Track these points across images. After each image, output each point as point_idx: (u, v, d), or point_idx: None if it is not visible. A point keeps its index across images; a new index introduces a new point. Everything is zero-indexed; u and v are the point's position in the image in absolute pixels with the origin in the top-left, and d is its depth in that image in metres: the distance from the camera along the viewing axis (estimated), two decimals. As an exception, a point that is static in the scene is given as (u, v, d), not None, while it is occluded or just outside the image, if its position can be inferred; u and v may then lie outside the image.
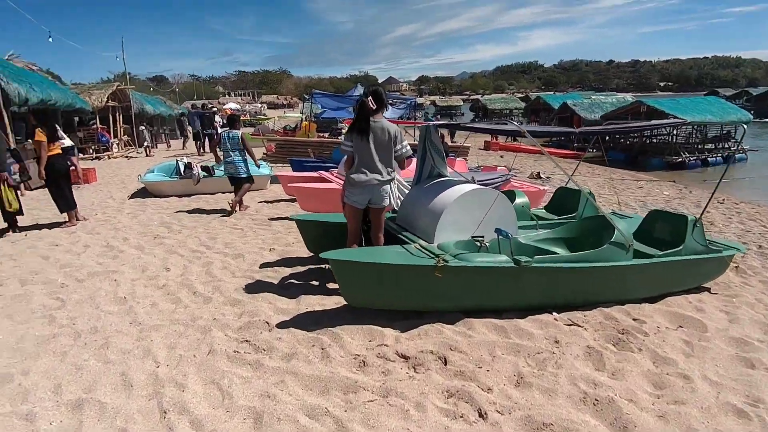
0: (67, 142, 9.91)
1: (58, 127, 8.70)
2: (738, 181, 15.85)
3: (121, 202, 8.26)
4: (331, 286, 3.99)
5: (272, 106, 68.14)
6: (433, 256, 3.35)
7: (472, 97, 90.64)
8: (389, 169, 3.84)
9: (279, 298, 3.75)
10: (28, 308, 3.69)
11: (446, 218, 3.89)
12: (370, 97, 3.68)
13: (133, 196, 8.81)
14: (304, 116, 31.00)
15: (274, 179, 8.33)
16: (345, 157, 3.93)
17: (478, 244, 3.85)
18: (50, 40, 13.44)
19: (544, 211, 6.17)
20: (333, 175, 7.47)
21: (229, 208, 7.10)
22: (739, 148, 18.93)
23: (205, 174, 8.66)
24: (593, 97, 29.86)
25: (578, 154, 19.27)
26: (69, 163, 6.81)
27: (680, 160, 17.64)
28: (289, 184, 7.03)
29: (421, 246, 3.66)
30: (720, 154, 18.74)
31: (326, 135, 19.59)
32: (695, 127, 18.72)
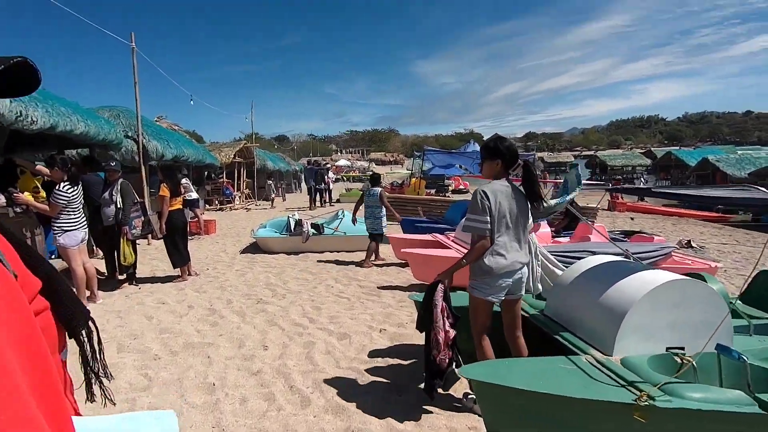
0: (194, 194, 10.51)
1: (184, 182, 9.20)
2: None
3: (233, 257, 8.23)
4: (459, 393, 3.03)
5: (380, 162, 70.89)
6: (627, 385, 2.24)
7: (584, 152, 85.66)
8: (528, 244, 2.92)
9: (394, 410, 2.87)
10: (114, 386, 3.26)
11: (632, 320, 2.74)
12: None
13: (245, 250, 8.79)
14: (411, 172, 31.43)
15: (385, 240, 7.77)
16: (474, 238, 2.80)
17: (679, 360, 2.64)
18: (192, 102, 15.00)
19: (739, 302, 4.62)
20: (449, 239, 6.62)
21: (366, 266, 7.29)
22: None
23: (315, 232, 8.38)
24: (739, 152, 25.92)
25: (723, 217, 16.26)
26: (193, 214, 6.96)
27: None
28: (402, 250, 6.34)
29: (598, 361, 2.56)
30: None
31: (433, 192, 19.03)
32: None
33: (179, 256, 6.38)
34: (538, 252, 4.20)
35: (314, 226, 8.47)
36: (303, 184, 20.36)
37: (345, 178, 27.35)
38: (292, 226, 8.42)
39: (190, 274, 6.55)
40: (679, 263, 5.99)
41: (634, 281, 2.92)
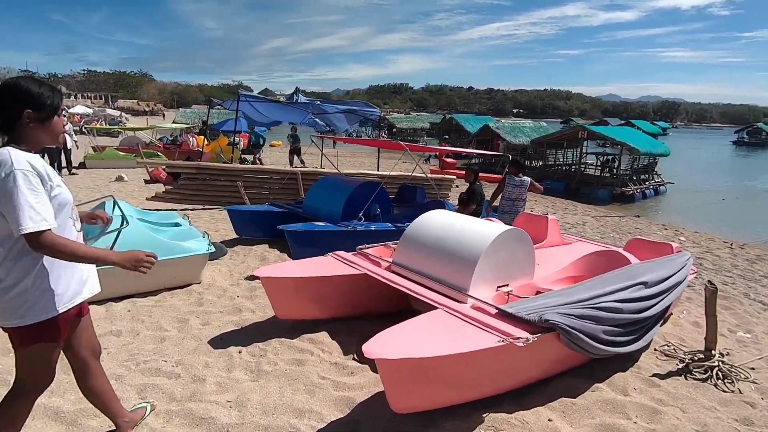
0: None
1: None
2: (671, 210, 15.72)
3: None
4: None
5: (132, 112, 57.58)
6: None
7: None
8: None
9: None
10: None
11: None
12: None
13: None
14: (190, 125, 24.90)
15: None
16: None
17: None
18: None
19: None
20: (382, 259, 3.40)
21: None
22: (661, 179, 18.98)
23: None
24: (514, 121, 29.25)
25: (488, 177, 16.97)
26: None
27: (631, 192, 16.63)
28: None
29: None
30: (651, 186, 18.33)
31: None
32: (634, 157, 18.08)
33: None
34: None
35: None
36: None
37: (87, 131, 19.47)
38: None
39: None
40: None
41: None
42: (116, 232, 4.23)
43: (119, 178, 12.12)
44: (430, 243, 3.57)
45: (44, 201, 1.74)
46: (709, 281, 3.88)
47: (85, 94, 77.59)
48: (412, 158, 7.18)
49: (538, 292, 3.48)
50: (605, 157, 19.46)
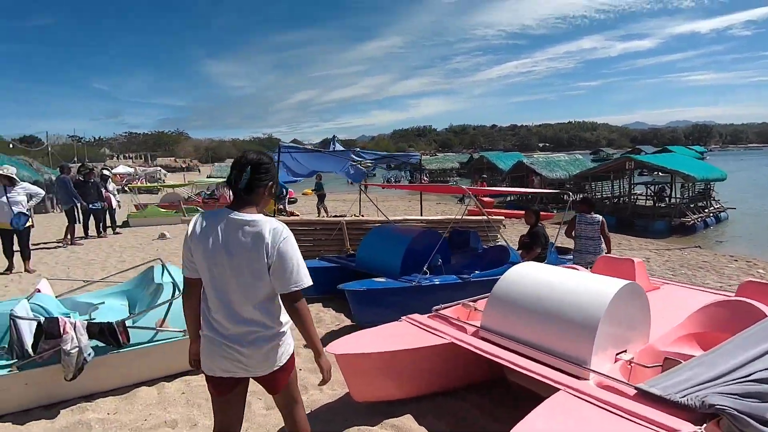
0: None
1: None
2: (737, 238, 14.55)
3: None
4: None
5: (170, 169, 59.94)
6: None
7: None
8: None
9: None
10: None
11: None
12: None
13: None
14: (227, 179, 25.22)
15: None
16: None
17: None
18: None
19: None
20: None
21: None
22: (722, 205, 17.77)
23: (104, 344, 3.40)
24: (547, 155, 28.68)
25: (548, 216, 15.97)
26: None
27: (691, 222, 15.50)
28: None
29: None
30: (711, 213, 17.15)
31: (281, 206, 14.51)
32: (690, 184, 17.05)
33: None
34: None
35: (101, 329, 3.43)
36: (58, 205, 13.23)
37: (129, 189, 19.95)
38: (27, 341, 3.22)
39: None
40: None
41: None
42: (168, 304, 3.90)
43: (162, 236, 12.10)
44: (528, 304, 3.04)
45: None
46: None
47: (127, 155, 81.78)
48: (475, 202, 6.68)
49: (666, 359, 2.87)
50: (656, 186, 18.43)
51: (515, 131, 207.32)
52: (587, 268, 6.66)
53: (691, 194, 17.70)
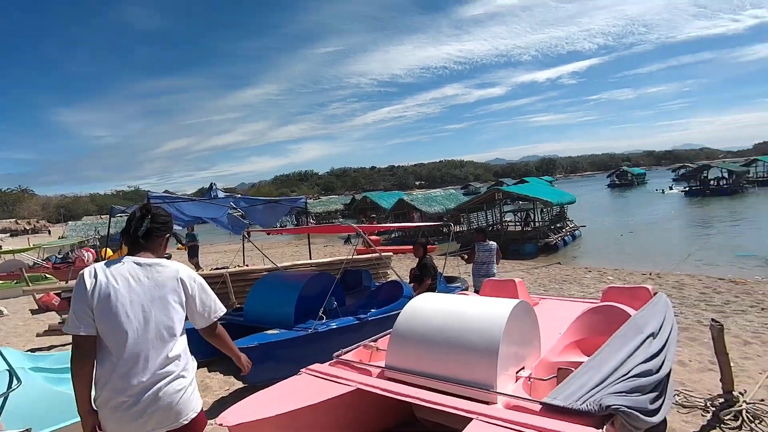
0: None
1: None
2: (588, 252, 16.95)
3: None
4: None
5: (11, 232, 50.88)
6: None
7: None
8: None
9: None
10: None
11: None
12: None
13: None
14: (84, 240, 22.00)
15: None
16: None
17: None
18: None
19: None
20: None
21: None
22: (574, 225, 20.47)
23: None
24: (424, 192, 30.39)
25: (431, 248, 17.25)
26: None
27: (554, 242, 17.50)
28: None
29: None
30: (568, 233, 19.61)
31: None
32: (549, 209, 19.36)
33: None
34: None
35: None
36: None
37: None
38: None
39: None
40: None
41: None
42: (2, 398, 3.09)
43: (-3, 314, 10.01)
44: (429, 336, 3.00)
45: None
46: (712, 319, 3.73)
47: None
48: (365, 240, 6.63)
49: (559, 370, 3.01)
50: (523, 213, 20.58)
51: (393, 171, 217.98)
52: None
53: (550, 217, 20.10)
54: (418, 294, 6.45)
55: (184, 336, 2.04)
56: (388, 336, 3.86)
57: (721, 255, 15.05)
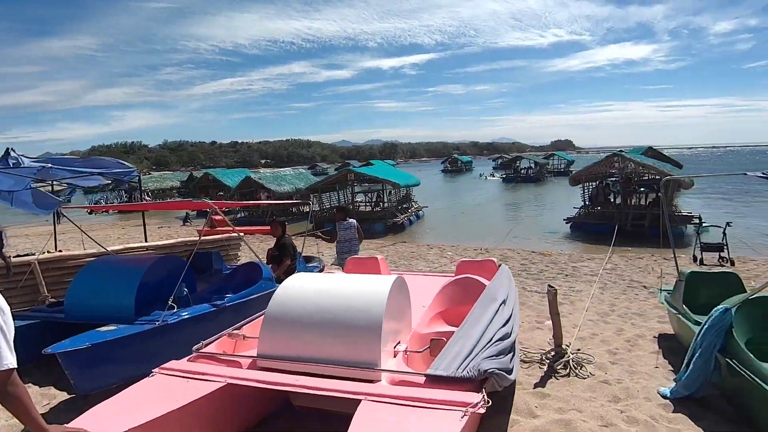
0: None
1: None
2: (430, 230, 18.66)
3: None
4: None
5: None
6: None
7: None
8: None
9: None
10: None
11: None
12: None
13: None
14: None
15: None
16: None
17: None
18: None
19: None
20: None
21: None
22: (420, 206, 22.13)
23: None
24: (273, 170, 29.25)
25: (263, 230, 17.22)
26: None
27: (401, 222, 18.57)
28: None
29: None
30: (413, 213, 21.02)
31: None
32: (397, 190, 20.41)
33: None
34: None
35: None
36: None
37: None
38: None
39: None
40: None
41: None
42: None
43: None
44: (306, 319, 2.81)
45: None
46: (549, 285, 4.29)
47: None
48: (223, 218, 5.97)
49: (432, 341, 3.13)
50: (372, 193, 21.27)
51: (237, 148, 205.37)
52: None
53: (397, 199, 21.24)
54: (278, 275, 6.15)
55: None
56: (254, 322, 3.55)
57: (533, 231, 17.79)
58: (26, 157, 7.67)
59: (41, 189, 9.07)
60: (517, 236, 16.52)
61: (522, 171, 49.03)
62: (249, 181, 24.49)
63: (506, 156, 69.97)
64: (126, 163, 8.70)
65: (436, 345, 3.03)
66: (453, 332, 3.06)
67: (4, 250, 6.31)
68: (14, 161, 7.05)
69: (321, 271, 7.49)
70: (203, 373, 2.66)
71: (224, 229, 9.58)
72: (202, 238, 8.28)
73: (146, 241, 9.40)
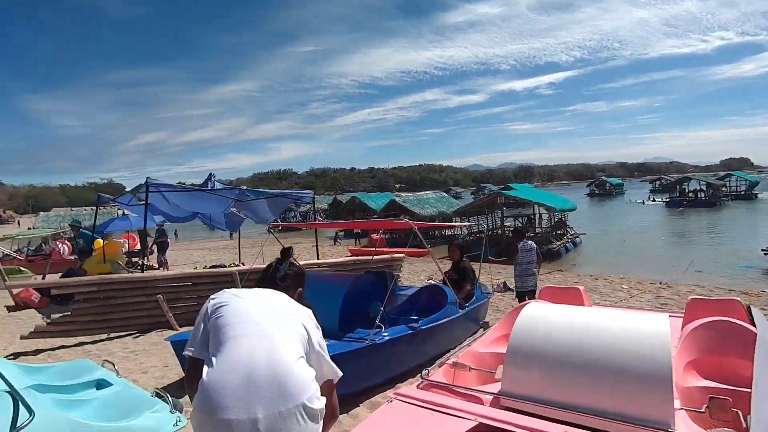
0: None
1: None
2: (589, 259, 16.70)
3: None
4: None
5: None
6: None
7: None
8: None
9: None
10: None
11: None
12: None
13: None
14: (61, 231, 20.54)
15: None
16: None
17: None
18: None
19: None
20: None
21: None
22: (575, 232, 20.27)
23: None
24: (415, 194, 29.81)
25: (422, 252, 16.18)
26: None
27: (556, 248, 17.18)
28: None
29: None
30: (569, 239, 19.26)
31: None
32: (551, 215, 19.02)
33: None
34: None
35: None
36: None
37: None
38: None
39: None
40: None
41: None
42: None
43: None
44: (566, 357, 2.42)
45: None
46: None
47: None
48: (419, 237, 5.86)
49: (712, 399, 2.48)
50: (524, 217, 20.12)
51: (373, 174, 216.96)
52: (527, 292, 6.65)
53: (551, 224, 19.78)
54: (458, 300, 5.89)
55: None
56: (468, 350, 3.28)
57: (720, 265, 15.01)
58: (219, 181, 8.83)
59: (232, 210, 10.31)
60: (701, 270, 14.04)
61: (690, 194, 42.52)
62: (394, 203, 25.27)
63: (667, 177, 61.55)
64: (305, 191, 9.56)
65: (718, 406, 2.39)
66: (722, 389, 2.40)
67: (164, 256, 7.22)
68: (211, 185, 8.13)
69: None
70: (447, 407, 2.43)
71: (389, 249, 9.80)
72: (377, 257, 8.47)
73: (318, 258, 10.02)
